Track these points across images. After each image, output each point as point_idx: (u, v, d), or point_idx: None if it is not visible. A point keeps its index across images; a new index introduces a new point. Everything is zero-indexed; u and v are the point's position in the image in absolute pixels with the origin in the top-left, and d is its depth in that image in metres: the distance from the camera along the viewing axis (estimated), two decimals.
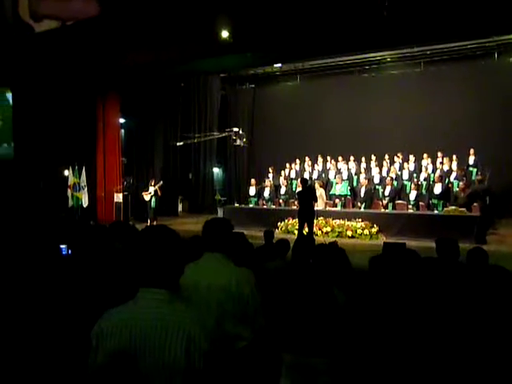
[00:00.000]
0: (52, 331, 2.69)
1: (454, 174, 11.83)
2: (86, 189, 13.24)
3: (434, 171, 12.33)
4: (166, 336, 1.50)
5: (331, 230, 10.72)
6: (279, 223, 11.37)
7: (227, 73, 16.71)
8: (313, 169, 14.00)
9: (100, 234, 3.57)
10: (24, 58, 11.31)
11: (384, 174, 12.76)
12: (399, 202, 11.52)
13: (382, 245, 5.60)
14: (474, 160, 12.27)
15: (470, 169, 12.26)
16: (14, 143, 12.77)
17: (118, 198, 13.47)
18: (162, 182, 13.37)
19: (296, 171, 14.18)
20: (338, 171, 13.40)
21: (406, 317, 2.10)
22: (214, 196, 15.73)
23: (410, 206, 11.34)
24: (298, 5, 8.84)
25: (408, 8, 8.39)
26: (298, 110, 15.78)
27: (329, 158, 14.02)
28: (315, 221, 9.97)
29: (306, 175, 13.29)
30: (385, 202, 11.73)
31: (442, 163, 12.44)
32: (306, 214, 9.39)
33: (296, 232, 9.97)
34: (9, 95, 12.85)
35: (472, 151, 12.29)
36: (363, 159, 13.39)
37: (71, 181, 13.20)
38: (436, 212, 10.86)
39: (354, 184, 13.03)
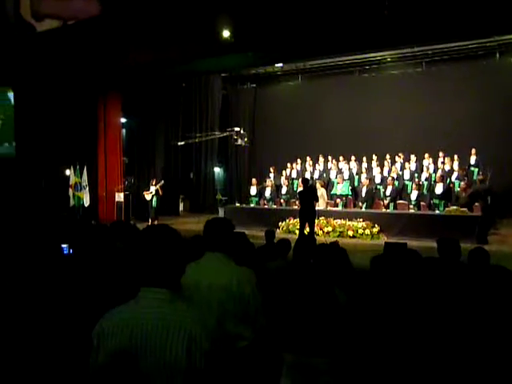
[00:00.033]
0: (53, 330, 2.70)
1: (455, 174, 11.81)
2: (87, 188, 13.26)
3: (435, 171, 12.30)
4: (167, 335, 1.50)
5: (332, 230, 10.71)
6: (280, 223, 11.37)
7: (228, 72, 16.73)
8: (314, 168, 13.99)
9: (101, 233, 3.58)
10: (25, 58, 11.34)
11: (385, 173, 12.73)
12: (400, 201, 11.49)
13: (383, 245, 5.62)
14: (476, 160, 12.24)
15: (472, 169, 12.24)
16: (15, 142, 12.82)
17: (120, 197, 13.49)
18: (163, 182, 13.36)
19: (297, 171, 14.15)
20: (339, 171, 13.38)
21: (407, 317, 2.10)
22: (215, 196, 15.75)
23: (412, 206, 11.31)
24: (299, 4, 8.84)
25: (409, 7, 8.39)
26: (299, 109, 15.75)
27: (330, 157, 14.01)
28: (316, 221, 9.97)
29: (307, 175, 13.28)
30: (386, 201, 11.70)
31: (443, 163, 12.42)
32: (307, 213, 9.39)
33: (297, 232, 9.98)
34: (10, 94, 12.89)
35: (473, 151, 12.28)
36: (364, 159, 13.39)
37: (72, 180, 13.22)
38: (437, 212, 10.84)
39: (355, 184, 13.00)
